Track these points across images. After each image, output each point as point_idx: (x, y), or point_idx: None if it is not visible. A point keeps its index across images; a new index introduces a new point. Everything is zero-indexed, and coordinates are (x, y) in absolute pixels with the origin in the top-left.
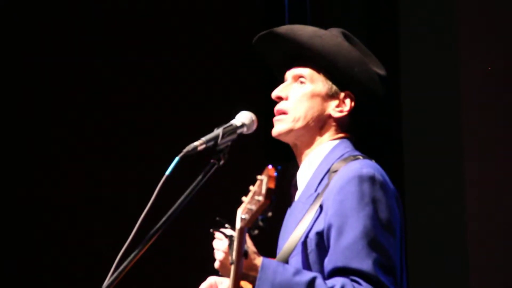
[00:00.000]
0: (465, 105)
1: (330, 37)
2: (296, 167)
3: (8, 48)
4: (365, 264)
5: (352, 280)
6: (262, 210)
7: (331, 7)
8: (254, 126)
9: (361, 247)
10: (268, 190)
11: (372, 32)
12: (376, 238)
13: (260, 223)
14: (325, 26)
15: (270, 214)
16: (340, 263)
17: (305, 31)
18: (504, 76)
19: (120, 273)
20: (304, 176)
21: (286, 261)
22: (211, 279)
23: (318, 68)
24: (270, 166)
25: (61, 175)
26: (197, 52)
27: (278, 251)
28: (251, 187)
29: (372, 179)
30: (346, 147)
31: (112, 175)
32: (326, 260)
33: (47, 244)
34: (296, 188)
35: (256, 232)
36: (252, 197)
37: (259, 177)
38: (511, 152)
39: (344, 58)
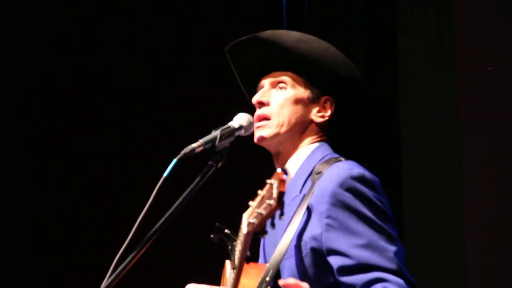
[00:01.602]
0: (464, 108)
1: (316, 42)
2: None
3: (8, 48)
4: (386, 259)
5: (381, 280)
6: (273, 214)
7: (329, 8)
8: (252, 128)
9: (375, 242)
10: (280, 193)
11: (369, 33)
12: (385, 231)
13: (271, 227)
14: (322, 27)
15: (282, 217)
16: (363, 260)
17: (290, 36)
18: (503, 77)
19: (117, 275)
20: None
21: (279, 263)
22: (191, 286)
23: (298, 73)
24: (279, 170)
25: (60, 176)
26: (195, 52)
27: (265, 253)
28: (259, 191)
29: (363, 178)
30: (326, 149)
31: (111, 176)
32: (342, 260)
33: (46, 245)
34: None
35: (265, 235)
36: (261, 201)
37: (268, 181)
38: (509, 153)
39: (331, 62)
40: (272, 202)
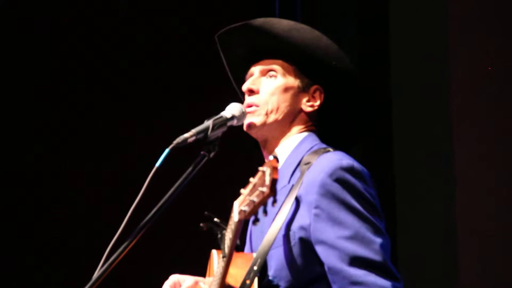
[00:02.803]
0: (456, 107)
1: (308, 31)
2: (262, 160)
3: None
4: (373, 251)
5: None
6: (265, 201)
7: (321, 4)
8: (244, 118)
9: (362, 234)
10: (273, 181)
11: (362, 28)
12: (372, 223)
13: (264, 214)
14: (315, 24)
15: (275, 204)
16: (349, 251)
17: (282, 24)
18: (495, 75)
19: (109, 265)
20: None
21: (267, 252)
22: (174, 277)
23: (289, 62)
24: (271, 157)
25: (55, 169)
26: (185, 47)
27: (252, 242)
28: (251, 179)
29: (352, 169)
30: (314, 140)
31: (104, 167)
32: (328, 253)
33: (38, 234)
34: None
35: (258, 224)
36: (253, 189)
37: (261, 168)
38: (502, 152)
39: (323, 51)
40: (264, 189)
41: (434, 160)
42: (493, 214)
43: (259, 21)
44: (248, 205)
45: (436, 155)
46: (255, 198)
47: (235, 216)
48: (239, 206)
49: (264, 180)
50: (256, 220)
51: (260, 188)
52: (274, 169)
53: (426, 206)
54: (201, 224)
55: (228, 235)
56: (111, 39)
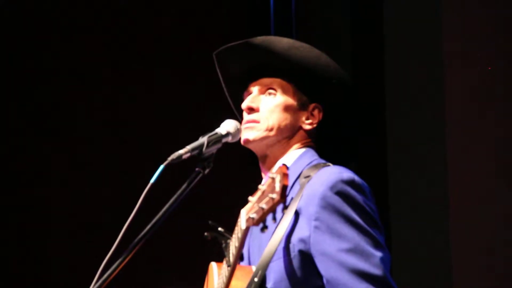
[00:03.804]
0: (450, 118)
1: (308, 49)
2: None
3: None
4: (372, 264)
5: None
6: (274, 208)
7: (316, 11)
8: (239, 135)
9: (362, 247)
10: (284, 187)
11: (356, 35)
12: (372, 237)
13: (273, 221)
14: (309, 30)
15: (285, 211)
16: (348, 264)
17: (282, 43)
18: (487, 76)
19: (104, 281)
20: None
21: (268, 264)
22: None
23: (288, 80)
24: (281, 164)
25: (55, 169)
26: (178, 56)
27: (250, 255)
28: (259, 186)
29: (353, 182)
30: (313, 155)
31: (97, 182)
32: (328, 266)
33: (28, 256)
34: None
35: (265, 231)
36: (262, 196)
37: (270, 175)
38: (495, 156)
39: (322, 70)
40: (275, 196)
41: (427, 169)
42: (489, 222)
43: (259, 39)
44: (256, 212)
45: (430, 162)
46: (264, 205)
47: (242, 224)
48: (247, 214)
49: (274, 187)
50: (265, 227)
51: (270, 195)
52: (285, 175)
53: (421, 216)
54: (206, 233)
55: (234, 243)
56: (111, 39)
